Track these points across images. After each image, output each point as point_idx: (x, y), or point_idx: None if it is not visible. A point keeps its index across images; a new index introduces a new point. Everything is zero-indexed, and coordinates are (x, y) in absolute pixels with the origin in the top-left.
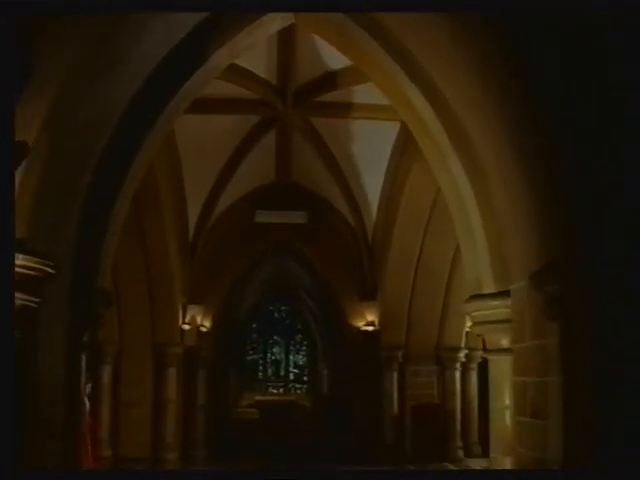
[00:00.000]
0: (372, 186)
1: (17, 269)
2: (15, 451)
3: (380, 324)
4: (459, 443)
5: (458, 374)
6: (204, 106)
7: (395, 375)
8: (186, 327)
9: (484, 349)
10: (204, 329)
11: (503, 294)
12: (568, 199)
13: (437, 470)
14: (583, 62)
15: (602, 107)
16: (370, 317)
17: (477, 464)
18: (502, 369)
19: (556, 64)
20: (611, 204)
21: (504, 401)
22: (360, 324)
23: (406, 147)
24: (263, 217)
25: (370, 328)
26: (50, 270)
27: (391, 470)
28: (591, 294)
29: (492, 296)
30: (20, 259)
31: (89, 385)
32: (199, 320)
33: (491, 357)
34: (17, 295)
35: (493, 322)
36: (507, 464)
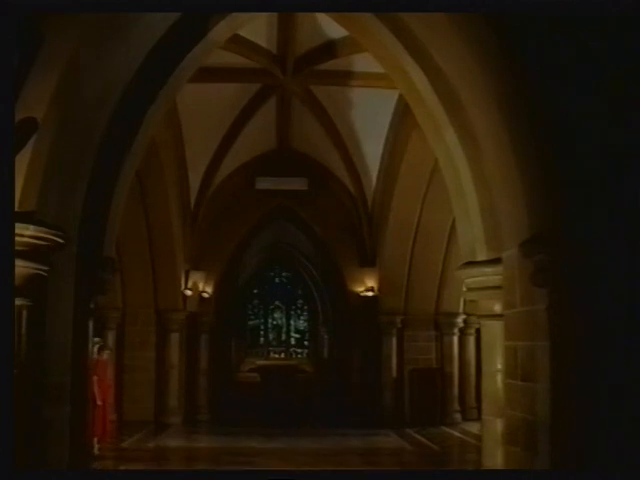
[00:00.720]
0: (372, 153)
1: (28, 239)
2: (13, 450)
3: (379, 290)
4: (457, 407)
5: (456, 339)
6: (205, 75)
7: (394, 340)
8: (188, 293)
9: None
10: (206, 295)
11: (495, 261)
12: (556, 173)
13: (435, 470)
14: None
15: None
16: (370, 283)
17: (474, 427)
18: (494, 334)
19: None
20: (597, 179)
21: (496, 365)
22: (360, 290)
23: (405, 115)
24: (264, 184)
25: (370, 293)
26: (59, 240)
27: (391, 470)
28: (577, 262)
29: (485, 263)
30: (31, 230)
31: (107, 352)
32: (201, 286)
33: (484, 322)
34: (28, 264)
35: (486, 288)
36: (498, 425)
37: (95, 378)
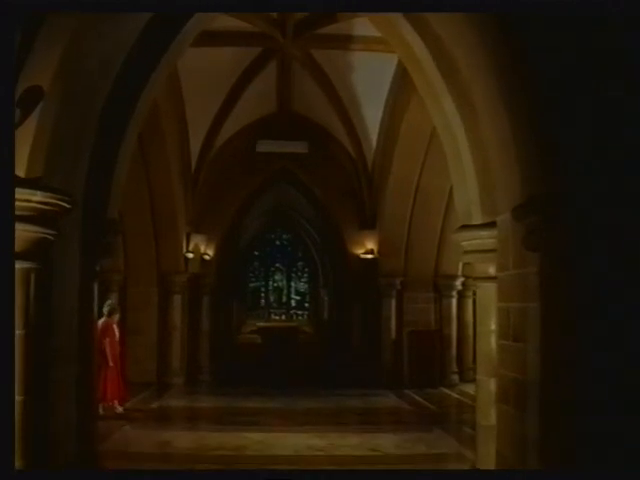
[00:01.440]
0: (372, 116)
1: (36, 205)
2: (13, 450)
3: (379, 252)
4: (454, 368)
5: (455, 302)
6: (206, 39)
7: (393, 302)
8: (190, 255)
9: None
10: (207, 257)
11: (490, 225)
12: (549, 139)
13: (433, 470)
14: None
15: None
16: (369, 245)
17: (471, 389)
18: (489, 296)
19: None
20: (590, 145)
21: (490, 325)
22: (360, 252)
23: (405, 78)
24: (264, 147)
25: (369, 256)
26: (66, 205)
27: (391, 470)
28: (568, 227)
29: (480, 227)
30: (38, 196)
31: (117, 315)
32: (203, 249)
33: (479, 284)
34: (36, 229)
35: (481, 251)
36: (492, 385)
37: (107, 340)
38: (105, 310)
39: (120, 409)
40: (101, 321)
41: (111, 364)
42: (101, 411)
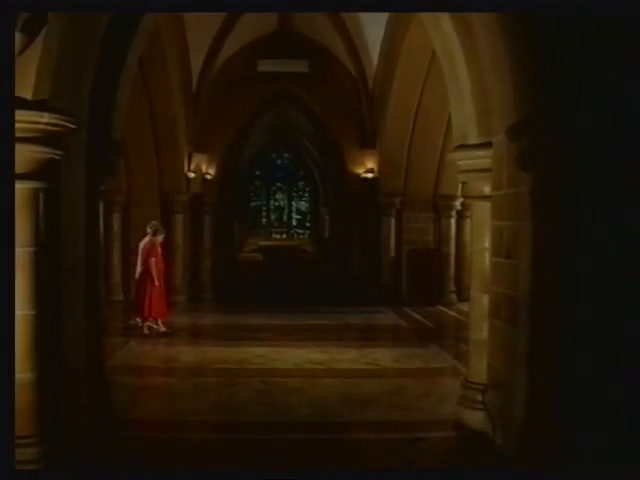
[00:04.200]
0: (373, 36)
1: (44, 126)
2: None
3: (379, 171)
4: (452, 287)
5: (453, 222)
6: None
7: (393, 221)
8: (191, 175)
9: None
10: (209, 177)
11: (486, 145)
12: (543, 61)
13: (434, 470)
14: None
15: None
16: (370, 164)
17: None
18: (483, 214)
19: None
20: (583, 68)
21: (484, 243)
22: (360, 171)
23: None
24: (265, 66)
25: (369, 175)
26: (72, 126)
27: (391, 470)
28: (559, 148)
29: (476, 147)
30: (46, 117)
31: (162, 235)
32: (204, 168)
33: (475, 203)
34: (44, 149)
35: (476, 171)
36: (485, 301)
37: (153, 260)
38: (149, 230)
39: (163, 328)
40: (145, 241)
41: (157, 283)
42: (146, 330)
